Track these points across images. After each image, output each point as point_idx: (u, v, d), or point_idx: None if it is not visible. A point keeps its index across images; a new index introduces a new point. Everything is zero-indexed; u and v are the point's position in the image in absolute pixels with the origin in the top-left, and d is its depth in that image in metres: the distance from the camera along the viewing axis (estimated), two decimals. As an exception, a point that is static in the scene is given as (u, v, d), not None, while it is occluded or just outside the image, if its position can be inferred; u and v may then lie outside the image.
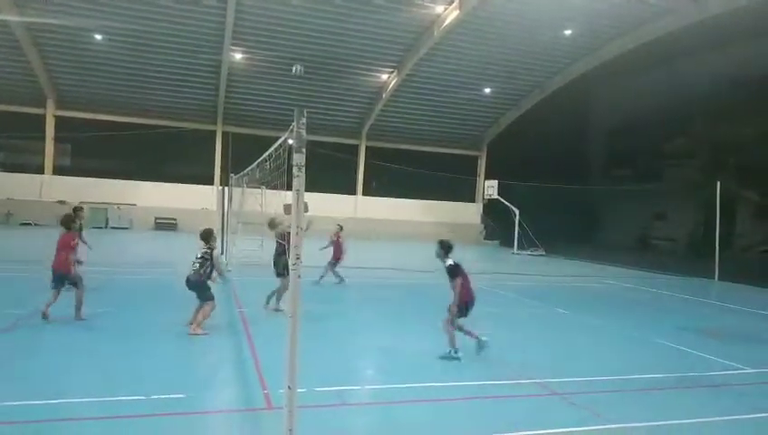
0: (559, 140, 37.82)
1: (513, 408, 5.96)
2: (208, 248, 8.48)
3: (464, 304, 7.35)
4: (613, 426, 5.41)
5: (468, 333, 7.55)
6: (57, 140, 32.94)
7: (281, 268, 10.06)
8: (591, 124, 39.82)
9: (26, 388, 5.60)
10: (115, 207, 31.50)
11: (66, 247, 8.79)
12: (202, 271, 8.33)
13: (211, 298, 8.42)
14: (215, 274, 8.47)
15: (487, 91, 34.10)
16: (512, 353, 8.23)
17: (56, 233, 9.16)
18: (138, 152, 34.29)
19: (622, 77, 31.36)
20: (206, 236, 8.58)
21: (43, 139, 32.40)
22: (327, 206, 29.72)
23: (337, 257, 14.34)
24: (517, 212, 30.48)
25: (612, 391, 6.65)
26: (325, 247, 14.36)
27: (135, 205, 32.40)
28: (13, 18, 24.74)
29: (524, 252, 29.60)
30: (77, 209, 11.92)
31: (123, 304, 10.39)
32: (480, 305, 7.66)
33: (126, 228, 30.59)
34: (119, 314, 9.40)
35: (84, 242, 10.91)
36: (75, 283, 8.76)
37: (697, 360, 8.36)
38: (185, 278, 8.43)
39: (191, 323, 8.31)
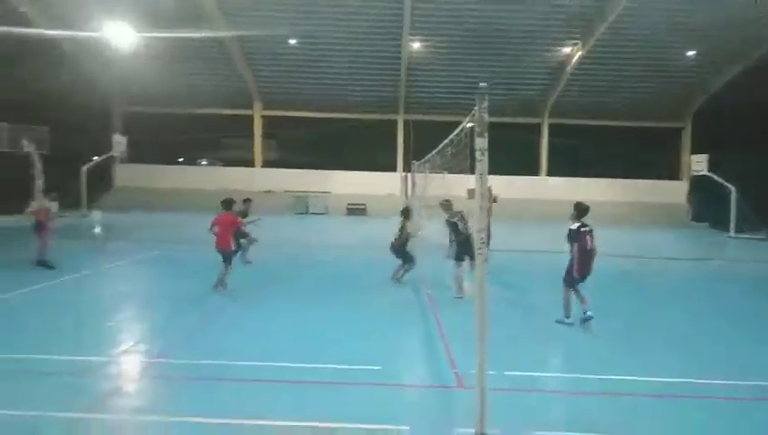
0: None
1: (724, 411, 5.25)
2: (403, 221, 11.03)
3: (581, 272, 7.90)
4: None
5: (582, 299, 7.91)
6: (265, 136, 37.38)
7: (454, 253, 10.25)
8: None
9: (244, 353, 6.48)
10: (313, 195, 34.66)
11: (227, 226, 9.74)
12: (399, 237, 10.90)
13: (412, 260, 11.02)
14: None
15: (691, 53, 29.88)
16: (726, 351, 7.26)
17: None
18: (331, 144, 37.26)
19: None
20: (404, 212, 11.40)
21: (252, 136, 37.01)
22: (508, 188, 29.03)
23: None
24: (733, 190, 26.40)
25: None
26: None
27: (330, 192, 35.31)
28: (226, 34, 28.62)
29: (743, 235, 25.58)
30: (247, 200, 13.44)
31: (322, 282, 11.39)
32: (690, 296, 6.84)
33: (323, 214, 33.51)
34: (319, 292, 10.36)
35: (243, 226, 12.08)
36: (229, 260, 9.72)
37: None
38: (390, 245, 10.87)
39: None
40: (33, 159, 27.06)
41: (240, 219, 10.44)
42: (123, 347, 6.67)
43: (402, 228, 11.04)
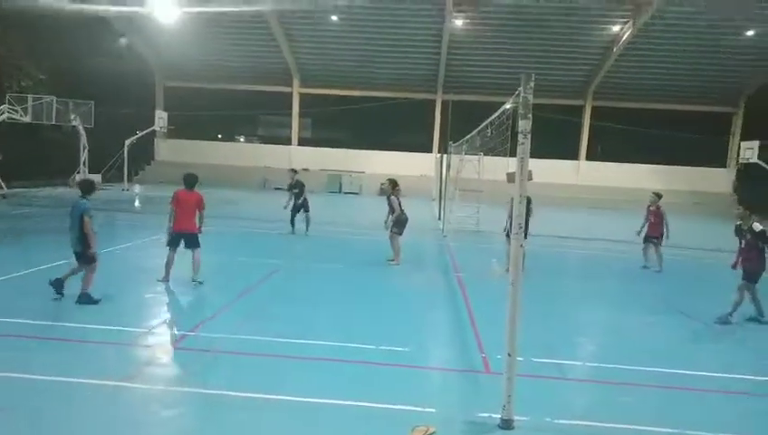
0: None
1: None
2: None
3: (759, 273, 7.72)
4: None
5: (757, 302, 7.84)
6: (301, 114, 37.53)
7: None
8: None
9: (278, 328, 6.60)
10: (347, 174, 34.75)
11: (192, 205, 8.37)
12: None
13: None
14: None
15: (750, 33, 28.39)
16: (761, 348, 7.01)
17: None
18: (366, 123, 37.21)
19: None
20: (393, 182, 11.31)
21: (290, 114, 37.20)
22: (547, 172, 28.46)
23: (655, 233, 11.69)
24: (784, 179, 25.22)
25: None
26: (642, 226, 12.02)
27: (364, 172, 35.33)
28: (267, 8, 28.61)
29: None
30: (293, 171, 14.45)
31: (354, 261, 11.45)
32: (723, 288, 6.61)
33: (356, 193, 33.61)
34: (350, 271, 10.43)
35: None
36: (196, 242, 8.44)
37: None
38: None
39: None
40: (80, 133, 27.97)
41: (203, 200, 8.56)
42: (159, 319, 6.87)
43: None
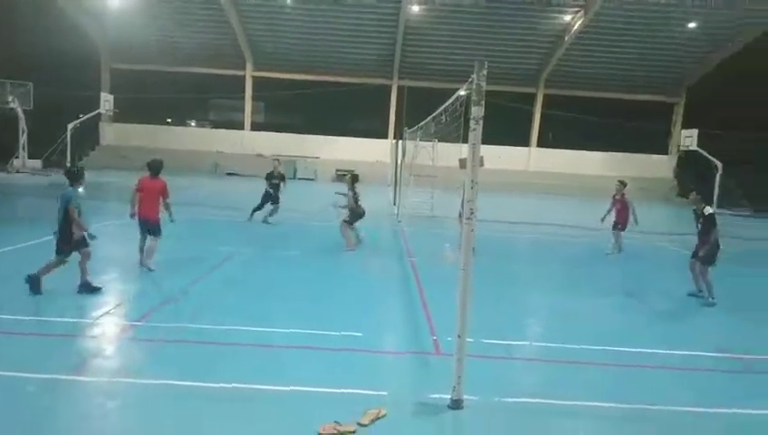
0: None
1: (718, 382, 5.41)
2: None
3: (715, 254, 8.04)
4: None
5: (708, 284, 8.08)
6: (254, 98, 36.78)
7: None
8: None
9: (232, 316, 6.52)
10: (302, 159, 34.39)
11: (156, 193, 8.33)
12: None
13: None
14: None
15: (693, 25, 29.59)
16: (711, 325, 7.46)
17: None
18: (321, 108, 36.83)
19: None
20: (354, 178, 11.25)
21: (243, 98, 36.40)
22: (499, 159, 29.03)
23: (621, 220, 12.00)
24: (720, 166, 26.59)
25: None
26: (607, 213, 12.32)
27: (319, 157, 35.04)
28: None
29: (726, 211, 25.86)
30: (276, 160, 13.98)
31: (309, 248, 11.40)
32: (673, 270, 6.96)
33: (311, 179, 33.34)
34: (305, 258, 10.38)
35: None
36: (158, 230, 8.37)
37: None
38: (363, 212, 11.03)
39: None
40: (18, 116, 26.55)
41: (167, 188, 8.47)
42: (106, 309, 6.66)
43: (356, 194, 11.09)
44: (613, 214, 12.14)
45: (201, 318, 6.32)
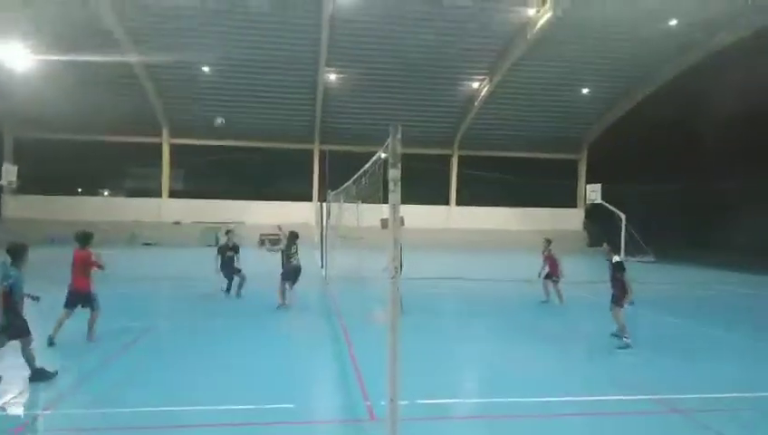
0: (667, 138, 35.34)
1: (630, 425, 5.61)
2: (296, 245, 11.65)
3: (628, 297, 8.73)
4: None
5: (621, 325, 8.73)
6: (172, 165, 35.88)
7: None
8: (704, 118, 36.74)
9: (150, 396, 6.09)
10: (225, 225, 33.53)
11: (82, 264, 8.22)
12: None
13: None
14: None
15: (585, 91, 32.67)
16: (626, 367, 7.79)
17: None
18: (243, 173, 36.50)
19: (739, 62, 28.68)
20: (295, 236, 11.88)
21: (160, 165, 35.42)
22: (420, 218, 29.91)
23: (555, 273, 13.07)
24: (623, 217, 28.70)
25: (737, 409, 6.04)
26: (541, 269, 13.38)
27: (243, 222, 34.37)
28: (132, 59, 27.51)
29: (632, 259, 27.76)
30: (228, 231, 13.25)
31: (234, 316, 10.99)
32: (589, 316, 7.29)
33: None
34: (228, 327, 9.97)
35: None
36: (91, 302, 8.27)
37: None
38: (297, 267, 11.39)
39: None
40: None
41: (94, 257, 8.28)
42: (7, 398, 6.01)
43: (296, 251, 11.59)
44: (546, 268, 13.21)
45: (115, 400, 5.84)
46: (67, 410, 5.64)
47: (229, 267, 12.97)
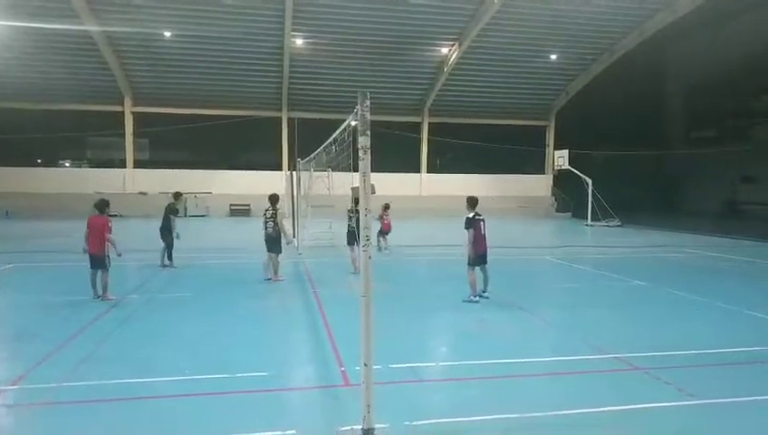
0: (633, 105, 35.99)
1: (594, 383, 5.83)
2: (274, 210, 10.98)
3: (476, 253, 9.01)
4: (698, 402, 5.20)
5: (486, 279, 9.29)
6: (136, 135, 34.84)
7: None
8: (668, 85, 37.50)
9: (119, 368, 6.05)
10: (192, 196, 33.00)
11: (97, 229, 9.29)
12: (277, 228, 10.86)
13: (280, 251, 11.04)
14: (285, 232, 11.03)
15: (554, 57, 32.74)
16: (591, 328, 8.05)
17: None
18: (210, 143, 35.76)
19: (701, 30, 29.14)
20: (274, 199, 11.25)
21: (123, 135, 34.36)
22: (392, 185, 29.90)
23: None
24: (590, 182, 29.29)
25: (698, 365, 6.33)
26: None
27: (211, 193, 33.83)
28: (93, 28, 26.37)
29: (599, 223, 28.49)
30: (178, 195, 13.61)
31: (203, 287, 10.92)
32: (556, 280, 7.48)
33: (203, 216, 32.06)
34: (198, 298, 9.91)
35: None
36: (102, 264, 9.24)
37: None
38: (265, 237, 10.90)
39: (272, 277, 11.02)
40: None
41: (109, 223, 9.39)
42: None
43: (275, 216, 10.99)
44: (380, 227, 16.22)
45: (88, 373, 5.79)
46: (26, 386, 5.56)
47: (166, 230, 12.95)
